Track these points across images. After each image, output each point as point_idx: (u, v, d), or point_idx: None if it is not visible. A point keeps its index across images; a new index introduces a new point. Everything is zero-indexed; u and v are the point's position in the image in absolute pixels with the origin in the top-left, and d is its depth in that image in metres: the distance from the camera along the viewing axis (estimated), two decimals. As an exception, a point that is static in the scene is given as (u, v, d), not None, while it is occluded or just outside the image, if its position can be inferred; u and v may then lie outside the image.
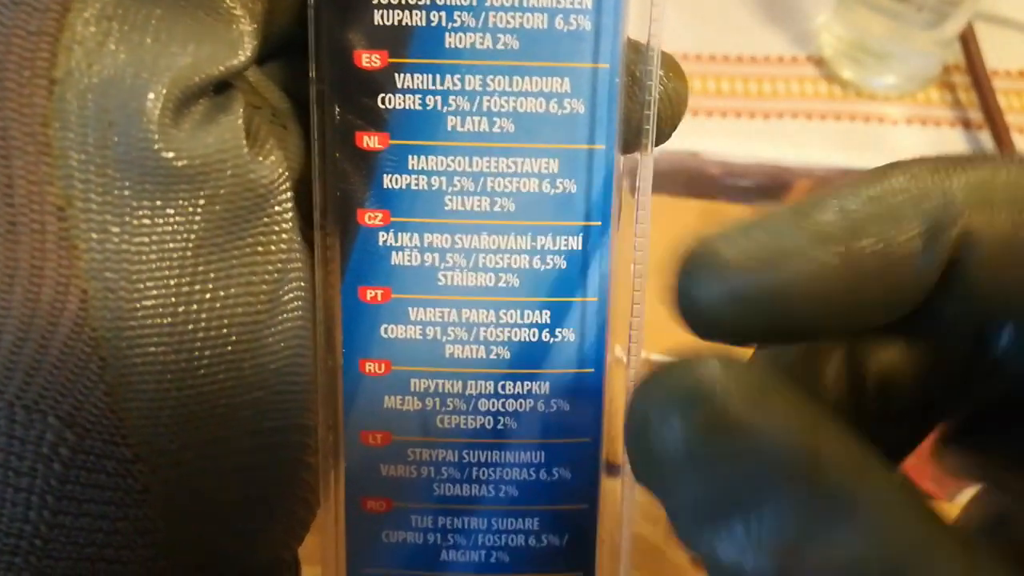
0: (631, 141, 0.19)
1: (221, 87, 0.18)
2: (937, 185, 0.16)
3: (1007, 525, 0.19)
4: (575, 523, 0.21)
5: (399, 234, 0.20)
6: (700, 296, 0.15)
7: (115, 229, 0.16)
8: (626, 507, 0.21)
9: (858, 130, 0.55)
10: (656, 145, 0.20)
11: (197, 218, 0.17)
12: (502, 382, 0.20)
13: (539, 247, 0.19)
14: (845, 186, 0.16)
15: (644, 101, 0.19)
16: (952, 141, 0.55)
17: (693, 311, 0.16)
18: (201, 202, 0.17)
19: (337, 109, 0.19)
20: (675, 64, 0.20)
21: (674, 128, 0.20)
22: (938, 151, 0.52)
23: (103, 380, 0.16)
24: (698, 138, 0.53)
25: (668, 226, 0.20)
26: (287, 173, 0.19)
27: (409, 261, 0.20)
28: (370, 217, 0.19)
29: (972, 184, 0.16)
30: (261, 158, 0.18)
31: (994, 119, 0.54)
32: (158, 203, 0.17)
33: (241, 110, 0.18)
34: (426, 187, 0.19)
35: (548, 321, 0.20)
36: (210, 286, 0.17)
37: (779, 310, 0.15)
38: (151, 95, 0.16)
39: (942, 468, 0.21)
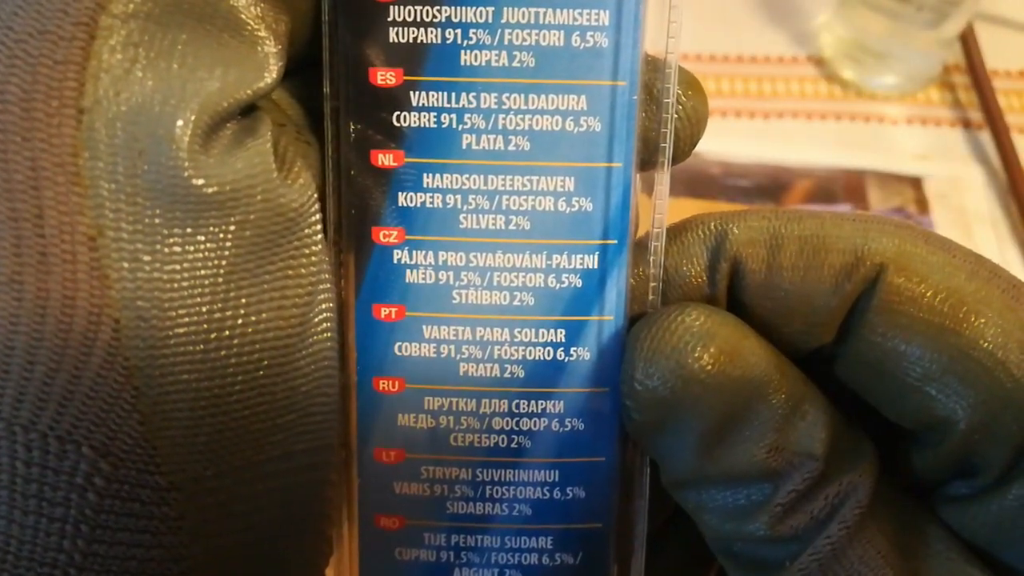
0: (647, 159, 0.19)
1: (248, 110, 0.18)
2: (719, 228, 0.20)
3: None
4: (589, 542, 0.21)
5: (414, 252, 0.19)
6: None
7: (146, 258, 0.16)
8: (641, 526, 0.21)
9: (858, 130, 0.55)
10: (674, 164, 0.19)
11: (228, 244, 0.17)
12: (517, 401, 0.20)
13: (554, 265, 0.19)
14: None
15: (661, 119, 0.19)
16: (952, 141, 0.55)
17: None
18: (232, 228, 0.17)
19: (352, 126, 0.19)
20: (695, 81, 0.20)
21: (693, 147, 0.20)
22: (938, 151, 0.52)
23: (137, 409, 0.16)
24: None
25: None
26: (316, 195, 0.19)
27: (424, 279, 0.19)
28: (385, 235, 0.19)
29: (743, 228, 0.19)
30: (290, 181, 0.18)
31: (994, 119, 0.54)
32: (189, 230, 0.17)
33: (269, 133, 0.18)
34: (441, 205, 0.19)
35: (563, 340, 0.20)
36: (242, 312, 0.17)
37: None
38: (180, 122, 0.16)
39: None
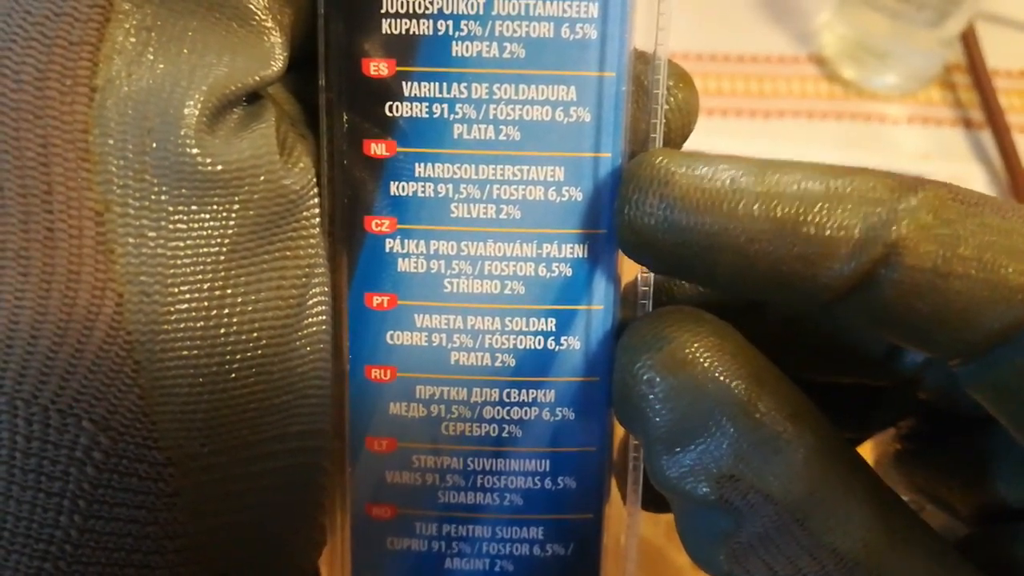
0: (638, 151, 0.19)
1: (253, 97, 0.18)
2: (888, 199, 0.17)
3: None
4: (580, 532, 0.21)
5: (405, 241, 0.20)
6: (641, 214, 0.18)
7: (151, 234, 0.17)
8: (631, 517, 0.21)
9: (859, 130, 0.55)
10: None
11: (231, 223, 0.17)
12: (507, 390, 0.20)
13: (545, 255, 0.19)
14: (815, 168, 0.17)
15: (651, 110, 0.19)
16: (953, 141, 0.55)
17: (630, 225, 0.18)
18: (235, 207, 0.17)
19: (345, 117, 0.19)
20: (684, 74, 0.20)
21: (685, 139, 0.20)
22: (939, 151, 0.51)
23: (137, 384, 0.16)
24: (698, 138, 0.53)
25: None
26: (314, 179, 0.19)
27: (415, 268, 0.20)
28: (377, 224, 0.19)
29: (917, 209, 0.17)
30: (290, 165, 0.18)
31: (995, 119, 0.54)
32: (193, 208, 0.17)
33: (273, 119, 0.18)
34: (432, 194, 0.19)
35: (553, 329, 0.20)
36: (242, 290, 0.18)
37: (708, 255, 0.17)
38: (189, 103, 0.17)
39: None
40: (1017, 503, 0.19)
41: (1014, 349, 0.17)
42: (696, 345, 0.18)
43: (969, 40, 0.56)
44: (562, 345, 0.20)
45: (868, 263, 0.17)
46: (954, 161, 0.54)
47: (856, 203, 0.17)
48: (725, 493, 0.17)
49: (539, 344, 0.20)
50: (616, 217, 0.18)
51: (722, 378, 0.17)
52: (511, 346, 0.20)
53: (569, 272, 0.20)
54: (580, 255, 0.19)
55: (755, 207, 0.17)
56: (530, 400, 0.20)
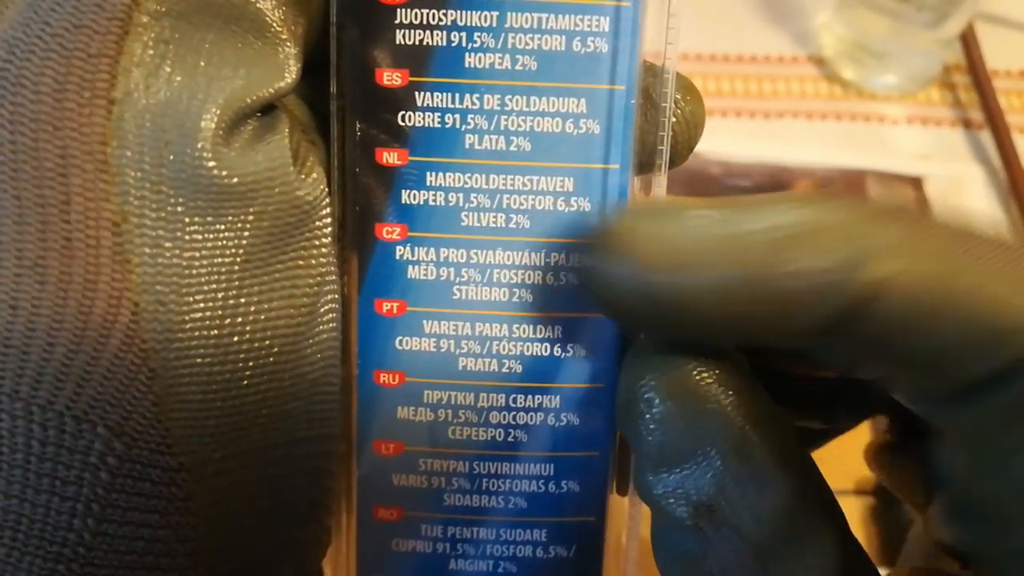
0: (646, 162, 0.20)
1: (267, 108, 0.18)
2: (864, 233, 0.16)
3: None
4: (583, 535, 0.21)
5: (416, 248, 0.20)
6: (612, 287, 0.17)
7: (168, 244, 0.17)
8: (632, 518, 0.21)
9: (858, 130, 0.56)
10: (673, 167, 0.20)
11: (246, 233, 0.18)
12: (514, 395, 0.20)
13: (552, 263, 0.20)
14: (784, 204, 0.17)
15: (659, 123, 0.19)
16: (952, 141, 0.56)
17: (606, 299, 0.18)
18: (250, 218, 0.18)
19: (358, 125, 0.19)
20: (692, 87, 0.20)
21: (691, 150, 0.20)
22: (939, 151, 0.52)
23: (151, 391, 0.17)
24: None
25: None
26: (327, 189, 0.19)
27: (425, 275, 0.20)
28: (388, 231, 0.20)
29: (892, 246, 0.16)
30: (304, 176, 0.19)
31: (994, 119, 0.54)
32: (209, 219, 0.17)
33: (287, 130, 0.19)
34: (443, 203, 0.20)
35: (560, 336, 0.20)
36: (255, 299, 0.18)
37: (685, 316, 0.17)
38: (206, 116, 0.17)
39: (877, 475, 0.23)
40: (952, 543, 0.19)
41: (997, 392, 0.16)
42: (700, 375, 0.18)
43: (969, 40, 0.56)
44: (568, 352, 0.20)
45: (843, 307, 0.16)
46: (953, 161, 0.55)
47: (826, 244, 0.16)
48: (701, 521, 0.18)
49: (546, 351, 0.20)
50: (586, 279, 0.18)
51: (720, 412, 0.18)
52: (518, 352, 0.20)
53: (576, 280, 0.20)
54: (587, 264, 0.20)
55: (725, 264, 0.16)
56: (536, 406, 0.20)
